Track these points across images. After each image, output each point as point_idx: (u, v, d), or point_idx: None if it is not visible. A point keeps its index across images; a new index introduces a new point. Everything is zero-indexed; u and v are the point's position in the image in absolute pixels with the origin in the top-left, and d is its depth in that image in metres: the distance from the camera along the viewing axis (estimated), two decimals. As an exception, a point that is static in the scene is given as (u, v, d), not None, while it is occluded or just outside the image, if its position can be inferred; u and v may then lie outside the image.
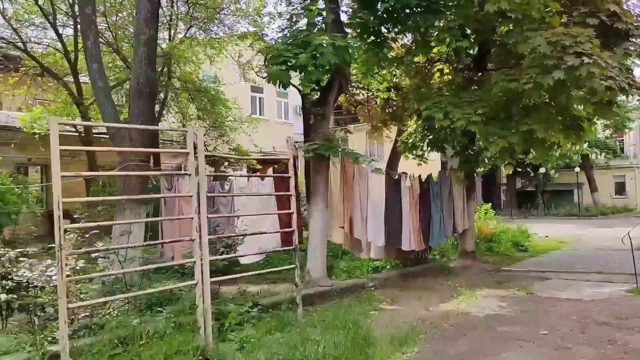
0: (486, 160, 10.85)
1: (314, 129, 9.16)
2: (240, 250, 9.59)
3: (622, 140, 39.63)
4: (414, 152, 11.53)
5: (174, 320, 5.67)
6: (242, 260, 9.33)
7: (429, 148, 11.30)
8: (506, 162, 10.11)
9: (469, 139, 10.76)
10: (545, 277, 9.87)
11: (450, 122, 8.99)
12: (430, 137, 10.91)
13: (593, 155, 36.32)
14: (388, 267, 10.63)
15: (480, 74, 10.77)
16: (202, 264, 5.29)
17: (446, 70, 11.61)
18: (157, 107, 16.57)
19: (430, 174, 10.88)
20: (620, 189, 39.00)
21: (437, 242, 10.97)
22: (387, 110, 15.69)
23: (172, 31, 17.11)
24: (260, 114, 27.15)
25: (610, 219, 30.33)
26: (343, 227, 9.22)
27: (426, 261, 11.14)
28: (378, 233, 9.62)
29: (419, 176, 10.52)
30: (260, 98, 27.85)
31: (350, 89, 13.68)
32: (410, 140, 11.35)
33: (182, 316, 5.86)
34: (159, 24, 16.89)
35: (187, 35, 17.19)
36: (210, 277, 5.44)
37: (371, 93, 15.51)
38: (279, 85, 8.52)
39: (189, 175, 5.35)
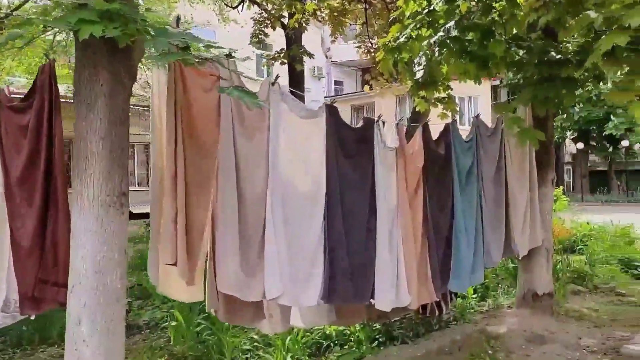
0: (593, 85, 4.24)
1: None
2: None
3: None
4: (398, 71, 4.49)
5: None
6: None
7: (443, 62, 4.24)
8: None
9: (548, 30, 4.20)
10: None
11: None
12: (447, 26, 3.99)
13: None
14: (352, 337, 4.60)
15: None
16: None
17: None
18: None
19: (454, 120, 4.52)
20: None
21: (467, 283, 4.66)
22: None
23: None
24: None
25: None
26: (175, 264, 3.14)
27: (443, 323, 4.96)
28: (305, 276, 3.49)
29: (424, 125, 4.22)
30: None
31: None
32: (403, 39, 4.53)
33: None
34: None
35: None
36: None
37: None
38: None
39: None
